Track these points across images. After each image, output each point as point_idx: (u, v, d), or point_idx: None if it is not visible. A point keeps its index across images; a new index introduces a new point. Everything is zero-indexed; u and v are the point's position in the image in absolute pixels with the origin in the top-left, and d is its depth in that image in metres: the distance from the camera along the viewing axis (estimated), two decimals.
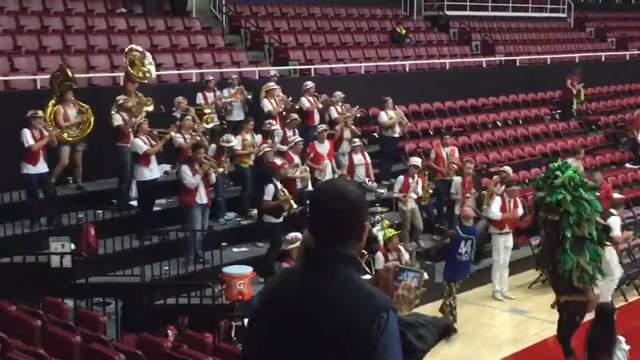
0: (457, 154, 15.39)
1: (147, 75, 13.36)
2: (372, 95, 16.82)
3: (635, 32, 29.40)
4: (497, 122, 20.24)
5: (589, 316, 9.72)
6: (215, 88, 14.83)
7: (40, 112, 11.94)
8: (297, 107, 15.26)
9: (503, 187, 13.38)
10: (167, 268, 11.34)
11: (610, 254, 12.84)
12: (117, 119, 12.78)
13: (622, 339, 8.90)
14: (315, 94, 15.57)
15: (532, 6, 27.88)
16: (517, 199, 13.38)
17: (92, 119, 12.69)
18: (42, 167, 11.79)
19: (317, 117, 15.49)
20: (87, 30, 15.99)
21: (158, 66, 15.61)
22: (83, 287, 10.34)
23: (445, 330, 3.03)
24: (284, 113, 14.91)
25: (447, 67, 21.29)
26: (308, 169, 13.40)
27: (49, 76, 13.08)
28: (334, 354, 2.61)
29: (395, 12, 23.86)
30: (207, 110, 14.17)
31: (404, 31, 21.80)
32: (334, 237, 2.74)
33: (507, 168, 14.21)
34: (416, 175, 13.81)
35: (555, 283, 9.95)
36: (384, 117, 15.95)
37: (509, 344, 11.70)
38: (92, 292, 10.25)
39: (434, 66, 21.28)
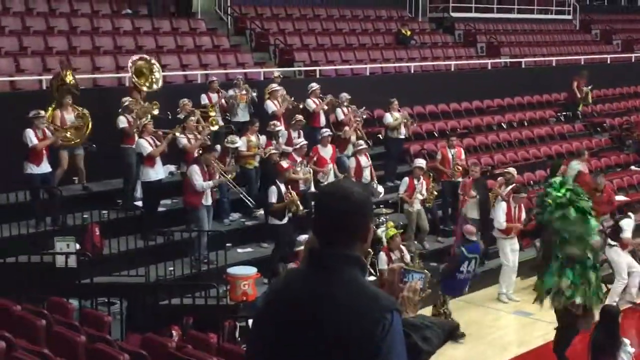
0: (463, 156, 15.35)
1: (154, 85, 13.40)
2: (377, 96, 16.84)
3: None
4: (502, 124, 20.24)
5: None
6: (219, 88, 14.83)
7: (42, 112, 11.97)
8: (301, 106, 15.27)
9: (508, 188, 13.34)
10: (171, 268, 11.35)
11: (618, 255, 12.84)
12: (122, 121, 12.80)
13: (627, 341, 8.87)
14: (321, 95, 15.59)
15: (537, 8, 27.87)
16: (522, 204, 13.33)
17: (89, 124, 12.67)
18: (45, 167, 11.81)
19: (323, 119, 15.49)
20: (93, 31, 16.03)
21: (163, 67, 15.63)
22: (88, 287, 10.35)
23: (451, 332, 3.03)
24: (292, 107, 14.95)
25: (452, 69, 21.28)
26: (311, 170, 13.40)
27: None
28: (338, 354, 2.61)
29: (401, 13, 23.86)
30: (212, 113, 14.18)
31: (409, 33, 21.81)
32: (339, 238, 2.75)
33: (512, 169, 14.17)
34: (421, 177, 13.81)
35: None
36: (389, 118, 15.95)
37: (514, 346, 11.69)
38: (97, 292, 10.26)
39: (439, 68, 21.28)
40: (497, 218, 13.00)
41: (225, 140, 13.25)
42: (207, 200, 11.96)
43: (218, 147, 13.00)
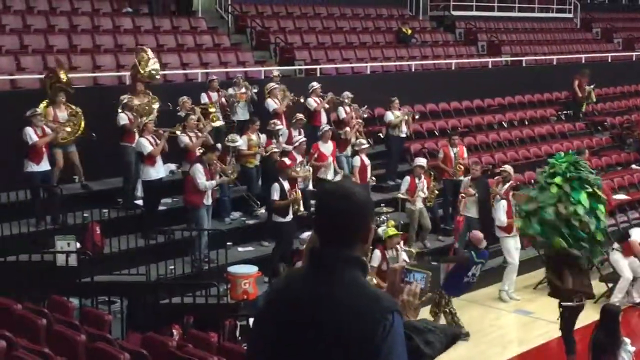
0: (465, 154, 15.34)
1: (154, 74, 13.42)
2: (378, 95, 16.83)
3: None
4: (503, 123, 20.23)
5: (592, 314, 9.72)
6: (219, 87, 14.83)
7: (39, 110, 11.98)
8: (302, 100, 15.29)
9: (506, 186, 13.33)
10: (172, 267, 11.35)
11: (617, 261, 12.90)
12: (123, 118, 12.80)
13: (627, 340, 8.87)
14: (322, 94, 15.60)
15: (538, 6, 27.85)
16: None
17: (82, 123, 12.66)
18: (45, 165, 11.82)
19: (324, 118, 15.50)
20: (93, 30, 16.03)
21: (164, 66, 15.65)
22: (88, 285, 10.36)
23: (453, 338, 3.03)
24: (292, 103, 15.01)
25: (453, 68, 21.28)
26: (311, 169, 13.40)
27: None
28: (339, 355, 2.61)
29: (401, 12, 23.86)
30: (212, 109, 14.16)
31: (409, 31, 21.80)
32: (339, 238, 2.75)
33: (508, 167, 14.12)
34: (422, 176, 13.80)
35: (554, 291, 10.09)
36: (390, 116, 15.93)
37: (515, 344, 11.69)
38: (98, 290, 10.27)
39: (440, 66, 21.28)
40: (498, 216, 13.00)
41: (226, 139, 13.24)
42: (208, 200, 11.96)
43: (219, 145, 12.99)
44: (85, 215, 11.73)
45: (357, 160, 14.15)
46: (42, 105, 12.38)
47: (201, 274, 11.50)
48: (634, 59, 26.41)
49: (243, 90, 14.84)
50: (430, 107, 19.20)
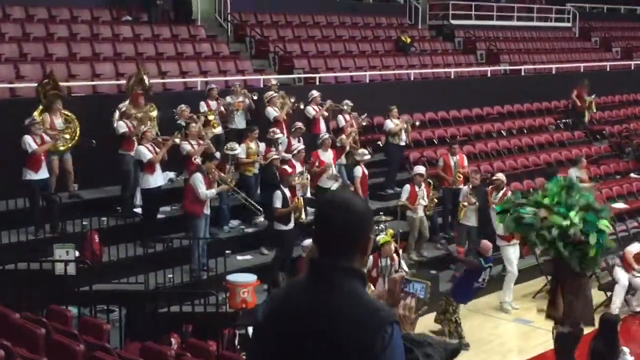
0: (465, 163, 15.35)
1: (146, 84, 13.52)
2: (377, 104, 16.85)
3: None
4: (502, 132, 20.25)
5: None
6: (218, 96, 14.84)
7: (38, 118, 11.97)
8: (302, 107, 15.32)
9: (500, 194, 13.35)
10: (171, 276, 11.34)
11: (617, 273, 12.94)
12: (122, 127, 12.79)
13: (626, 349, 8.87)
14: (321, 102, 15.63)
15: (537, 15, 27.93)
16: None
17: (78, 130, 12.64)
18: (43, 173, 11.79)
19: (323, 126, 15.53)
20: (93, 38, 16.03)
21: (163, 74, 15.68)
22: (87, 294, 10.33)
23: (453, 352, 3.02)
24: (292, 111, 15.10)
25: (452, 76, 21.31)
26: (309, 177, 13.41)
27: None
28: None
29: (400, 20, 23.90)
30: (211, 117, 14.17)
31: (408, 40, 21.84)
32: (339, 249, 2.75)
33: (500, 175, 14.15)
34: (422, 184, 13.81)
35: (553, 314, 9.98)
36: (390, 124, 15.93)
37: (514, 353, 11.68)
38: (96, 299, 10.24)
39: (439, 75, 21.30)
40: (496, 225, 12.98)
41: (225, 147, 13.24)
42: (207, 209, 11.95)
43: (218, 154, 12.98)
44: (84, 223, 11.72)
45: (358, 171, 14.09)
46: (37, 112, 12.34)
47: (200, 283, 11.48)
48: (632, 67, 26.44)
49: (240, 98, 14.86)
50: (429, 116, 19.21)
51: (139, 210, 12.81)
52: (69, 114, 12.67)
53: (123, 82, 14.31)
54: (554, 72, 23.80)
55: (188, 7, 18.37)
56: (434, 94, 19.58)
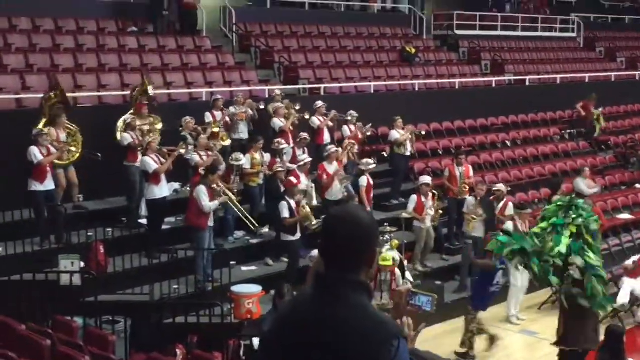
0: (471, 173, 15.33)
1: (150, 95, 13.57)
2: (382, 114, 16.86)
3: None
4: (507, 142, 20.25)
5: None
6: (223, 107, 14.88)
7: (45, 130, 11.99)
8: (307, 117, 15.36)
9: (500, 205, 13.34)
10: (176, 287, 11.33)
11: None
12: (127, 138, 12.82)
13: None
14: (326, 112, 15.67)
15: (541, 26, 27.94)
16: (527, 221, 13.28)
17: (80, 142, 12.64)
18: (49, 184, 11.80)
19: (327, 136, 15.56)
20: (99, 49, 16.09)
21: (169, 85, 15.72)
22: (92, 305, 10.33)
23: None
24: (297, 122, 15.18)
25: (457, 87, 21.32)
26: (313, 185, 13.44)
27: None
28: None
29: (405, 31, 23.93)
30: (216, 129, 14.19)
31: (413, 50, 21.88)
32: (345, 262, 2.77)
33: (501, 186, 14.12)
34: (429, 193, 13.80)
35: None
36: (395, 134, 15.92)
37: None
38: (101, 310, 10.25)
39: (444, 85, 21.32)
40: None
41: (230, 157, 13.28)
42: (212, 221, 11.96)
43: (223, 166, 13.00)
44: (89, 234, 11.73)
45: (363, 180, 14.07)
46: (41, 125, 12.30)
47: (205, 294, 11.48)
48: (637, 78, 26.43)
49: (243, 109, 14.90)
50: (434, 126, 19.21)
51: (144, 221, 12.83)
52: (72, 127, 12.67)
53: (128, 92, 14.35)
54: (558, 82, 23.82)
55: (193, 18, 18.44)
56: (438, 104, 19.59)
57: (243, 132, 14.97)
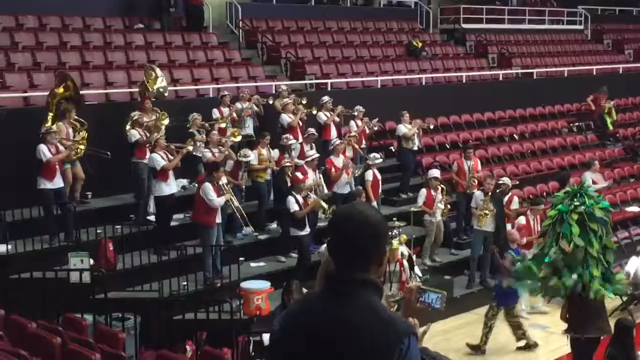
0: (479, 167, 15.28)
1: (162, 92, 13.52)
2: (389, 108, 16.84)
3: None
4: (514, 135, 20.20)
5: None
6: (230, 103, 14.89)
7: (54, 127, 12.01)
8: (314, 112, 15.36)
9: (505, 199, 13.30)
10: (185, 283, 11.36)
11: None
12: (134, 135, 12.82)
13: None
14: (332, 108, 15.66)
15: (548, 18, 27.86)
16: (538, 216, 13.25)
17: (87, 137, 12.63)
18: (58, 182, 11.83)
19: (334, 131, 15.55)
20: (105, 46, 16.12)
21: (175, 81, 15.73)
22: (102, 302, 10.36)
23: None
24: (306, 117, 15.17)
25: (464, 80, 21.27)
26: (321, 176, 13.51)
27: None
28: None
29: (412, 25, 23.88)
30: (223, 125, 14.19)
31: (420, 44, 21.84)
32: (354, 261, 2.76)
33: (506, 179, 14.01)
34: (439, 187, 13.78)
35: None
36: (403, 129, 15.90)
37: (530, 359, 11.62)
38: (111, 307, 10.27)
39: (451, 79, 21.28)
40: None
41: (238, 153, 13.29)
42: (219, 218, 11.97)
43: (231, 162, 13.01)
44: (98, 231, 11.75)
45: (369, 174, 14.09)
46: (49, 122, 12.34)
47: (214, 290, 11.49)
48: None
49: (247, 105, 14.90)
50: (442, 120, 19.18)
51: (152, 217, 12.85)
52: (78, 123, 12.66)
53: (136, 89, 14.38)
54: (566, 75, 23.73)
55: (200, 14, 18.44)
56: (445, 98, 19.54)
57: (249, 128, 14.99)
